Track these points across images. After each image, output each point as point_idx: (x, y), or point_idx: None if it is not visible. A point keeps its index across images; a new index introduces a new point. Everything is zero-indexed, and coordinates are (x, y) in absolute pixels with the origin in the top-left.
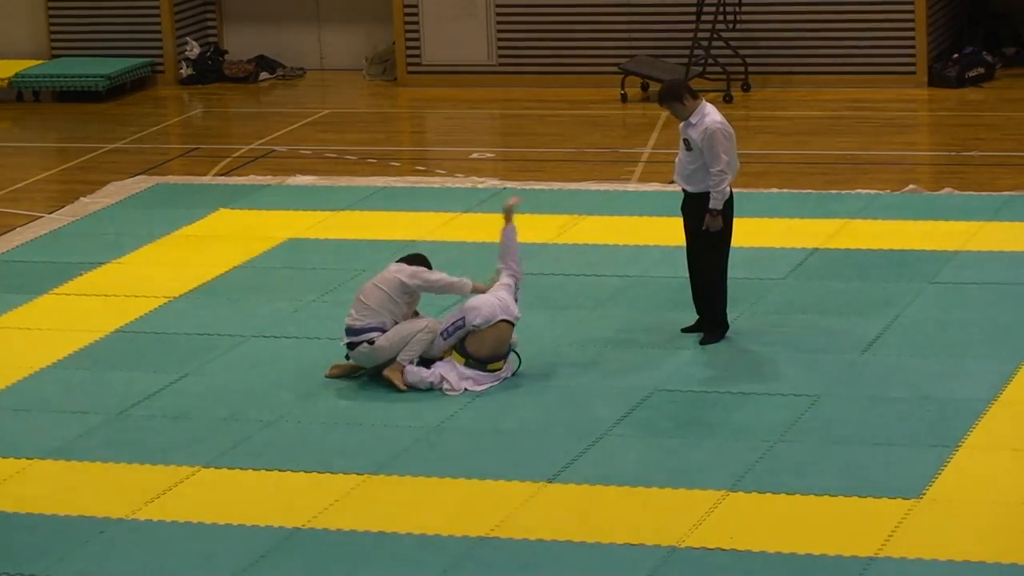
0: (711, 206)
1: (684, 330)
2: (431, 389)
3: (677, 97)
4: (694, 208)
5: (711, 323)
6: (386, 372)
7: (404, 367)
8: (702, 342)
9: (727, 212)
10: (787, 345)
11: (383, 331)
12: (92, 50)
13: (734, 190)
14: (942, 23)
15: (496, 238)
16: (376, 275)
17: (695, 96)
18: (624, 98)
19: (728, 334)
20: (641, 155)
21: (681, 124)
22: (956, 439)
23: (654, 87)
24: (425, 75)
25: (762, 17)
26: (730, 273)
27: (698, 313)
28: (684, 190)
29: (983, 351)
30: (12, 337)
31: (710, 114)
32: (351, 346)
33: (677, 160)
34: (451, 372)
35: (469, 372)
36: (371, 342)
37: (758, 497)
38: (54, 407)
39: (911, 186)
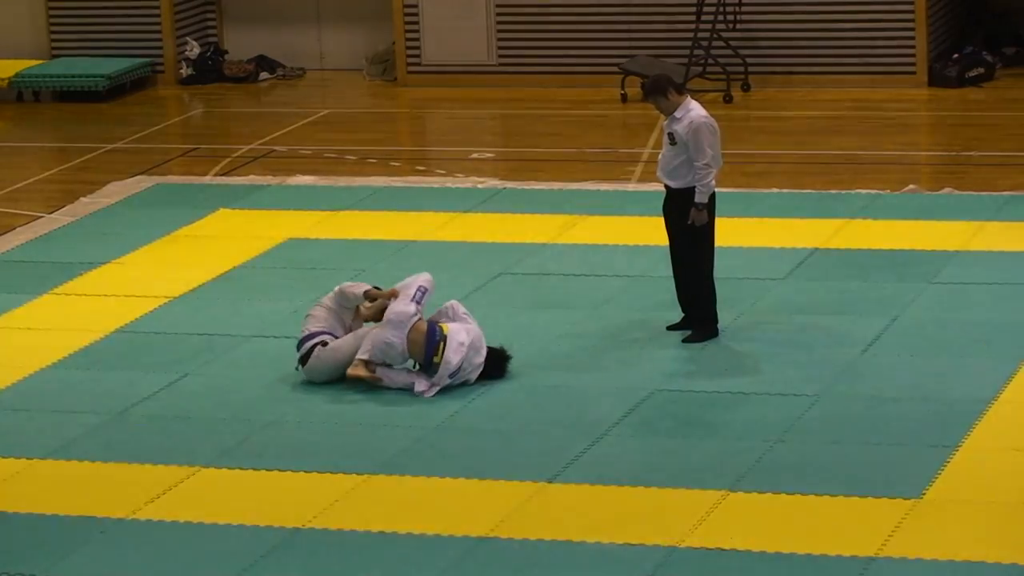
0: (696, 200)
1: (670, 328)
2: (402, 389)
3: (661, 91)
4: (677, 205)
5: (699, 321)
6: (349, 371)
7: (364, 360)
8: (685, 340)
9: (710, 208)
10: (787, 345)
11: (335, 337)
12: (92, 50)
13: (727, 189)
14: (942, 23)
15: (496, 239)
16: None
17: (680, 91)
18: (624, 98)
19: (728, 334)
20: (641, 155)
21: (665, 120)
22: (956, 439)
23: None
24: (425, 75)
25: (762, 17)
26: (730, 273)
27: (683, 311)
28: (667, 187)
29: (983, 351)
30: (12, 337)
31: (695, 109)
32: (303, 359)
33: (660, 156)
34: (419, 378)
35: (436, 379)
36: (324, 343)
37: (758, 497)
38: (54, 407)
39: (911, 186)
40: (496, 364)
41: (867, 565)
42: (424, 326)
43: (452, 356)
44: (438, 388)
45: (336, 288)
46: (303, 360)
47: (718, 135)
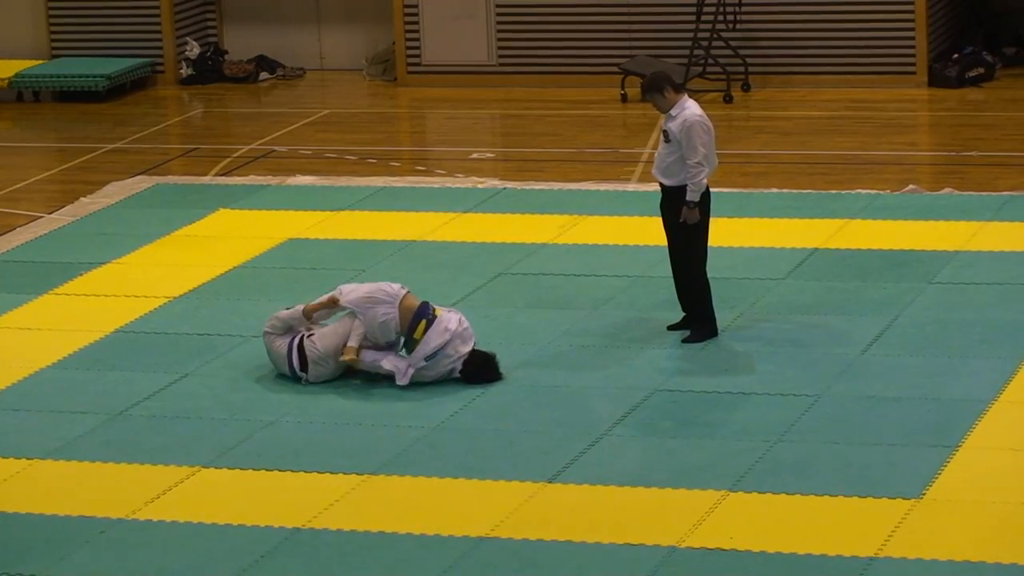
0: (688, 198)
1: (670, 328)
2: (381, 372)
3: (658, 89)
4: (671, 202)
5: (697, 321)
6: (342, 358)
7: (357, 348)
8: (685, 340)
9: (703, 207)
10: (787, 345)
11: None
12: (92, 50)
13: (727, 190)
14: (942, 23)
15: (496, 239)
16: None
17: (677, 89)
18: (624, 98)
19: (728, 333)
20: (641, 155)
21: (663, 118)
22: (956, 439)
23: None
24: (425, 75)
25: (762, 17)
26: (730, 273)
27: (683, 310)
28: (661, 185)
29: (983, 351)
30: (12, 337)
31: (690, 107)
32: (303, 367)
33: (656, 154)
34: (401, 362)
35: (411, 359)
36: (310, 335)
37: (758, 497)
38: (54, 407)
39: (911, 186)
40: (488, 369)
41: (867, 565)
42: (415, 301)
43: (433, 337)
44: (413, 371)
45: (273, 317)
46: (303, 368)
47: (712, 135)
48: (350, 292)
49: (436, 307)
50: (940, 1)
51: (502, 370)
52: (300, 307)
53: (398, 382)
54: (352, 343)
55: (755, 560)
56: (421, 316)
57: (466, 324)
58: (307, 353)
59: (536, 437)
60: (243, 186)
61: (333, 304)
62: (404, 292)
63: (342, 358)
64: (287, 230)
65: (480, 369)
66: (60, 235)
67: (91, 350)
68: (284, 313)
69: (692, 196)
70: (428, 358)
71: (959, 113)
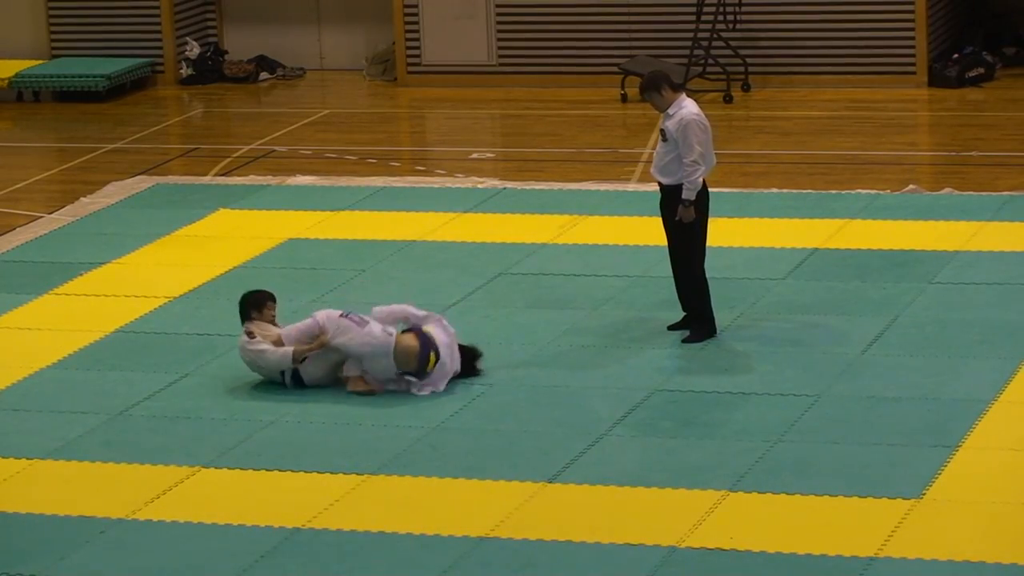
0: (683, 196)
1: (671, 327)
2: (397, 388)
3: (656, 87)
4: (670, 201)
5: (697, 321)
6: (349, 388)
7: (360, 377)
8: (685, 340)
9: (701, 206)
10: (787, 345)
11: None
12: (92, 50)
13: (726, 190)
14: (942, 23)
15: (496, 239)
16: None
17: (675, 88)
18: (624, 98)
19: (728, 333)
20: (641, 155)
21: (662, 117)
22: (956, 439)
23: None
24: (425, 75)
25: (762, 17)
26: (730, 273)
27: (683, 309)
28: (659, 184)
29: (983, 351)
30: (12, 337)
31: (687, 106)
32: (297, 383)
33: (654, 153)
34: (410, 379)
35: (431, 380)
36: (302, 360)
37: (758, 497)
38: (54, 407)
39: (911, 186)
40: (473, 365)
41: (867, 565)
42: (412, 340)
43: (448, 361)
44: (431, 388)
45: (254, 352)
46: (297, 382)
47: (709, 134)
48: (337, 334)
49: (422, 326)
50: (940, 1)
51: (502, 370)
52: (290, 349)
53: (421, 393)
54: (354, 373)
55: (755, 560)
56: (428, 349)
57: (449, 329)
58: (303, 376)
59: (536, 437)
60: (243, 186)
61: (322, 347)
62: (392, 339)
63: (352, 389)
64: (287, 230)
65: (469, 364)
66: (60, 235)
67: (91, 350)
68: (271, 354)
69: (687, 194)
70: (452, 372)
71: (959, 113)
